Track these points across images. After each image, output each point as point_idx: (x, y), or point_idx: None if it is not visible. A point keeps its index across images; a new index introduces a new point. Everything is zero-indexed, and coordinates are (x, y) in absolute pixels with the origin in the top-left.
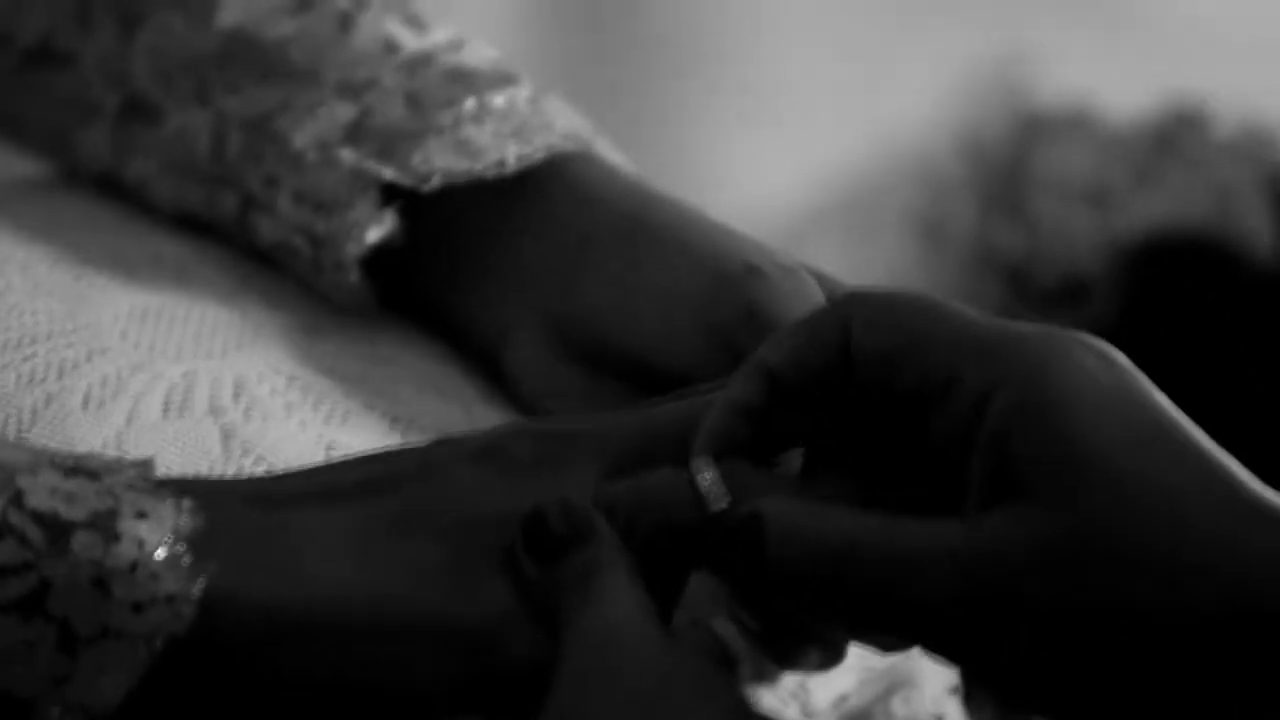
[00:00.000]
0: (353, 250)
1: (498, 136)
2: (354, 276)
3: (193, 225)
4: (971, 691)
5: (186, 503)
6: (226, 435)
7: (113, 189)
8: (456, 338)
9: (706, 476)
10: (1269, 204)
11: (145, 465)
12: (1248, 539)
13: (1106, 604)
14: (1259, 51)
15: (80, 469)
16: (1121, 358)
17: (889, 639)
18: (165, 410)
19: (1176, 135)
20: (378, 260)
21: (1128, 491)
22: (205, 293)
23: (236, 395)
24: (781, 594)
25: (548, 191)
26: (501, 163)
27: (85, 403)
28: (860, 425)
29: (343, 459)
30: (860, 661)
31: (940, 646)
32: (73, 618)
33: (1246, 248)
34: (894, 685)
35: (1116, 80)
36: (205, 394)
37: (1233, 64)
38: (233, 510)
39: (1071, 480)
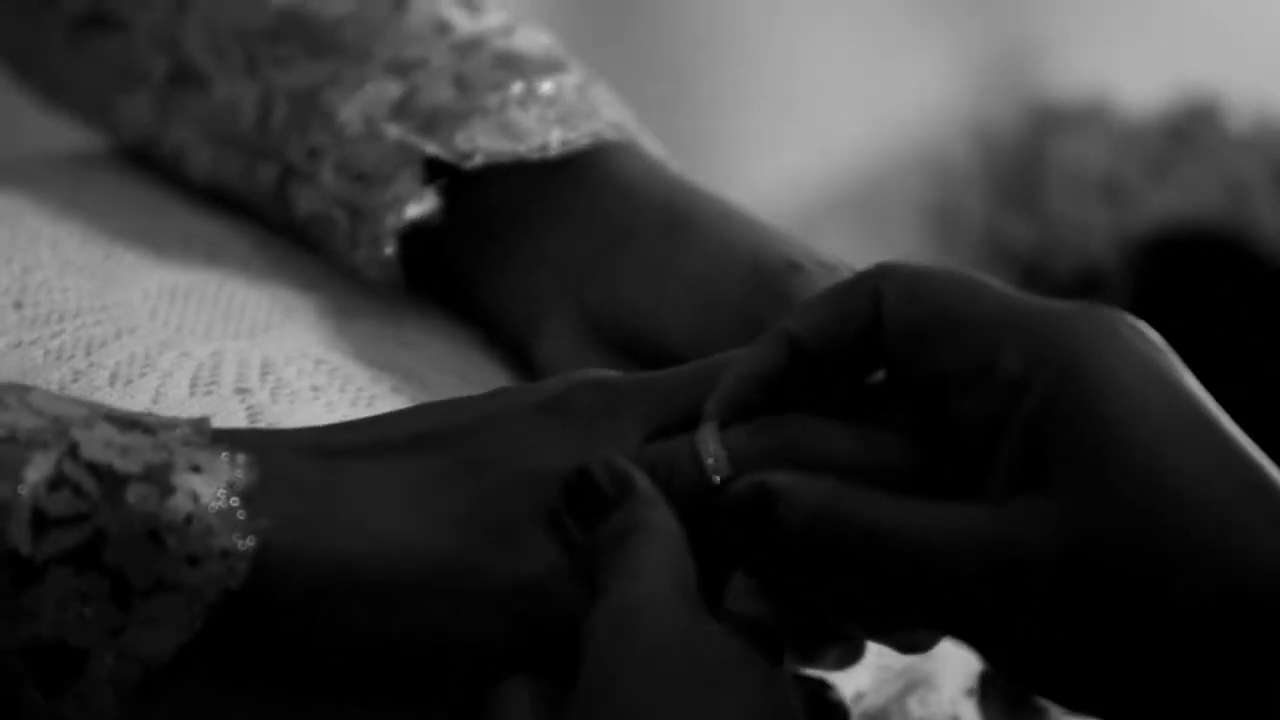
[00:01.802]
0: (392, 223)
1: (543, 121)
2: (390, 249)
3: (224, 202)
4: (987, 690)
5: (241, 457)
6: (253, 415)
7: (146, 163)
8: (486, 324)
9: (711, 445)
10: None
11: (201, 422)
12: (1277, 545)
13: (1130, 594)
14: (1273, 45)
15: (136, 424)
16: (1162, 343)
17: (904, 626)
18: (192, 389)
19: (1190, 128)
20: (412, 243)
21: (1162, 483)
22: (236, 272)
23: (264, 376)
24: (790, 572)
25: (589, 180)
26: (544, 146)
27: (112, 380)
28: (884, 400)
29: (397, 411)
30: (878, 660)
31: (958, 630)
32: (127, 569)
33: (1260, 241)
34: (911, 685)
35: (1130, 73)
36: (232, 374)
37: (1247, 57)
38: (287, 464)
39: (1104, 468)
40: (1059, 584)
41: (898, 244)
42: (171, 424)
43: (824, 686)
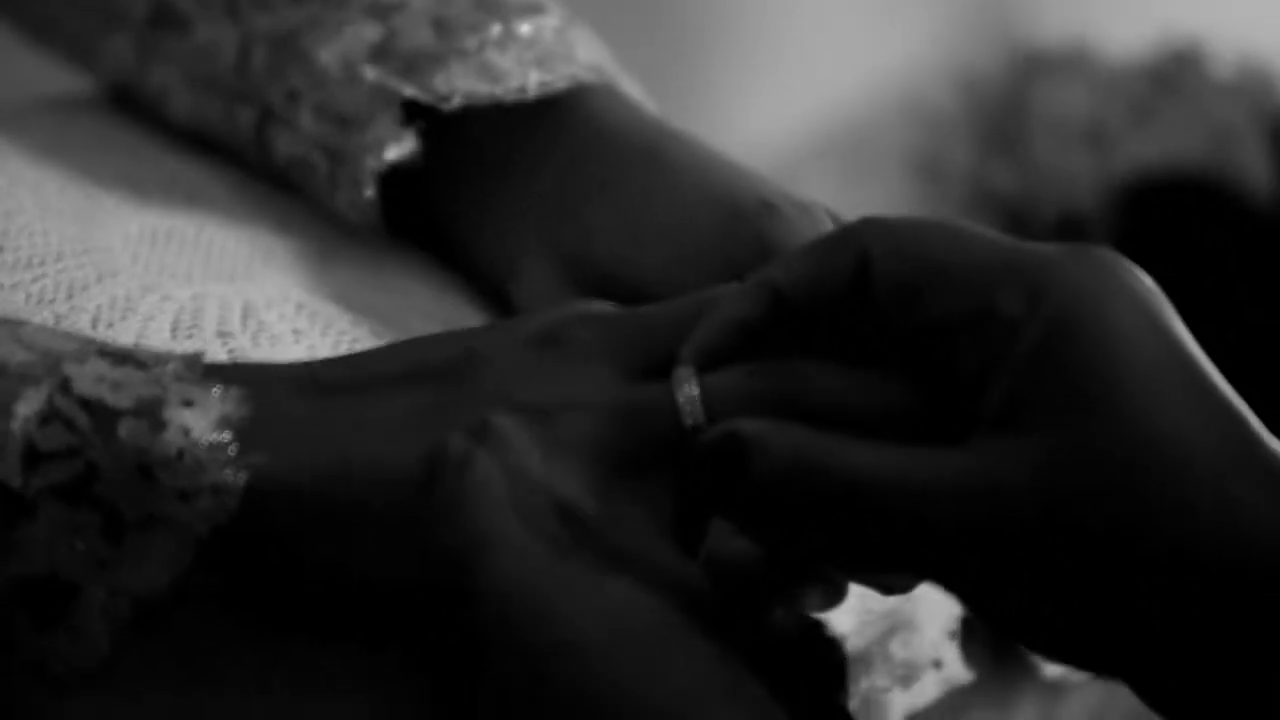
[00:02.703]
0: (371, 165)
1: (521, 64)
2: (370, 192)
3: (206, 145)
4: (968, 635)
5: (234, 391)
6: (234, 359)
7: (128, 107)
8: (466, 266)
9: (685, 390)
10: (1266, 143)
11: (193, 357)
12: (1256, 503)
13: (1104, 543)
14: None
15: (129, 358)
16: (1156, 288)
17: (881, 571)
18: (174, 333)
19: (1174, 74)
20: (391, 186)
21: (1148, 434)
22: (217, 216)
23: (245, 319)
24: (764, 520)
25: (566, 122)
26: (522, 89)
27: (94, 324)
28: (868, 350)
29: (388, 345)
30: (860, 604)
31: (935, 575)
32: (119, 503)
33: (1244, 187)
34: (893, 628)
35: (1113, 19)
36: (214, 317)
37: (1230, 3)
38: (278, 399)
39: (1090, 412)
40: (1035, 528)
41: (883, 191)
42: (164, 358)
43: (818, 625)
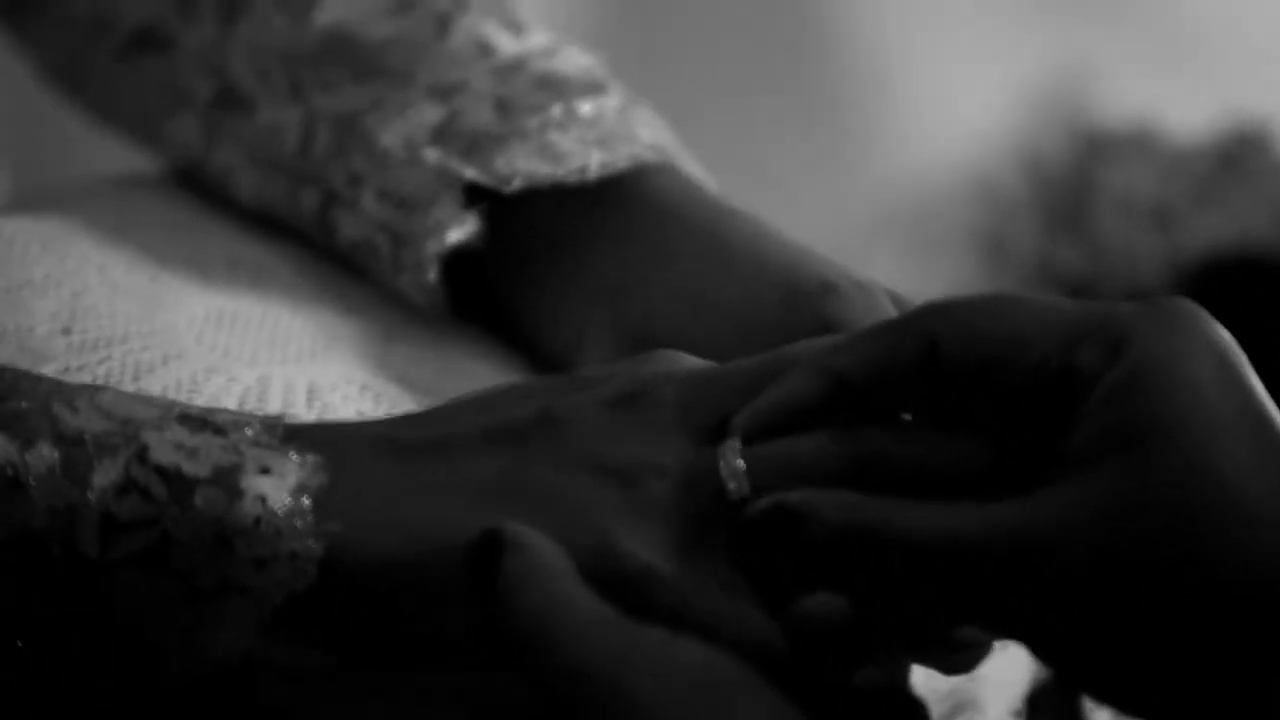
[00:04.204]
0: (433, 248)
1: (582, 144)
2: (433, 275)
3: (271, 225)
4: (1034, 712)
5: (310, 458)
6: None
7: (192, 186)
8: (528, 346)
9: (730, 463)
10: None
11: (273, 420)
12: None
13: (1156, 582)
14: None
15: (207, 424)
16: (1232, 340)
17: (948, 628)
18: None
19: (1240, 154)
20: (455, 269)
21: (1202, 472)
22: (281, 297)
23: (310, 401)
24: (819, 588)
25: (628, 202)
26: (584, 169)
27: None
28: (934, 419)
29: (462, 402)
30: (924, 683)
31: (1000, 627)
32: (195, 572)
33: None
34: (957, 707)
35: (1179, 100)
36: (279, 398)
37: None
38: (357, 463)
39: (1147, 451)
40: (1093, 575)
41: (948, 270)
42: (244, 421)
43: (902, 685)
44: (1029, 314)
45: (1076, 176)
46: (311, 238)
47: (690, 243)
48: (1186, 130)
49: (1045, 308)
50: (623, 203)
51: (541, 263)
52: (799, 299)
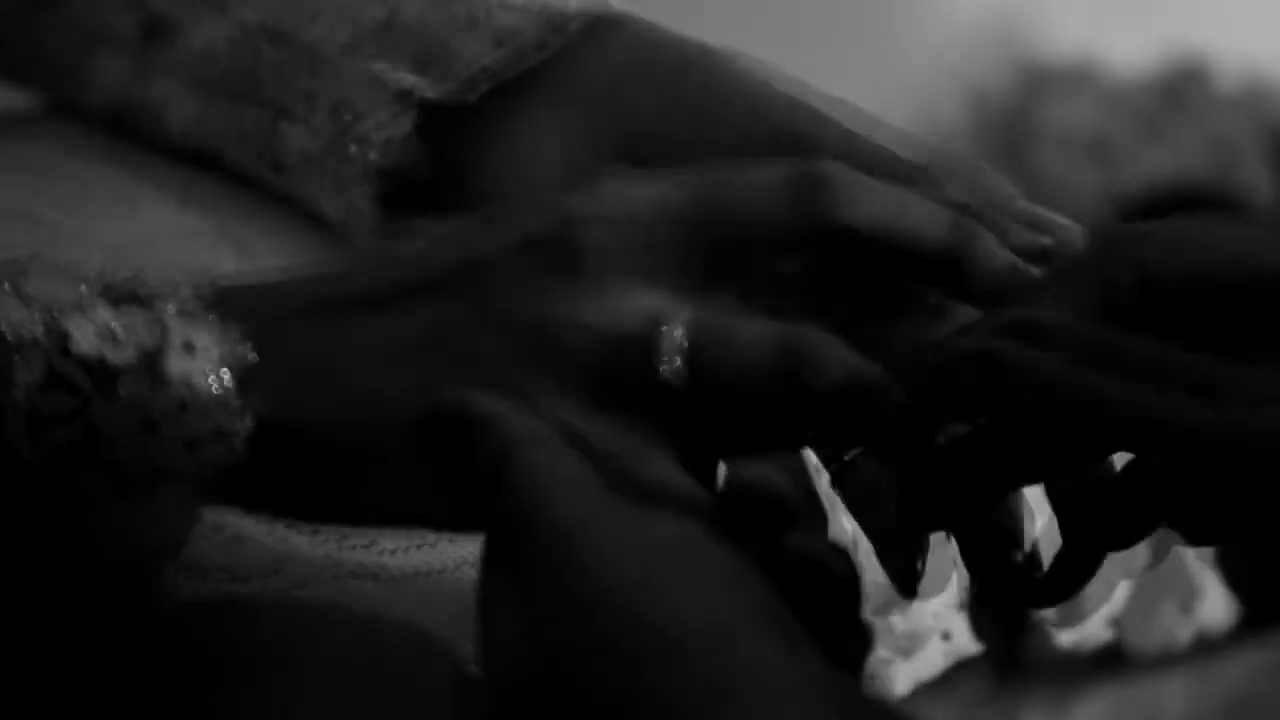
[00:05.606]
0: (377, 138)
1: (527, 14)
2: (368, 189)
3: (205, 160)
4: (977, 606)
5: (237, 327)
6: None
7: (121, 127)
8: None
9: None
10: (1270, 158)
11: (201, 285)
12: None
13: None
14: (1262, 6)
15: (134, 295)
16: None
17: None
18: None
19: (1180, 90)
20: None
21: None
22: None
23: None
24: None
25: (612, 37)
26: (555, 28)
27: None
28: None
29: (392, 256)
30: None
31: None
32: (125, 461)
33: (1248, 202)
34: (892, 600)
35: (1120, 35)
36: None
37: (1236, 19)
38: (285, 332)
39: None
40: None
41: None
42: (171, 289)
43: (832, 547)
44: (1227, 237)
45: (1018, 112)
46: (246, 167)
47: (678, 62)
48: (1127, 65)
49: (1228, 234)
50: (607, 38)
51: (500, 117)
52: (810, 118)
